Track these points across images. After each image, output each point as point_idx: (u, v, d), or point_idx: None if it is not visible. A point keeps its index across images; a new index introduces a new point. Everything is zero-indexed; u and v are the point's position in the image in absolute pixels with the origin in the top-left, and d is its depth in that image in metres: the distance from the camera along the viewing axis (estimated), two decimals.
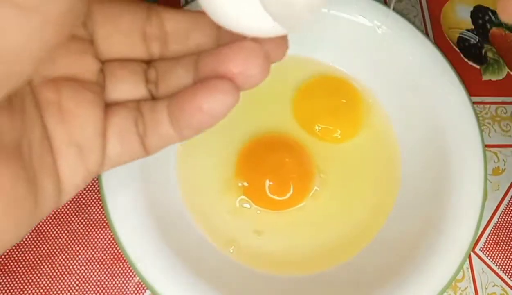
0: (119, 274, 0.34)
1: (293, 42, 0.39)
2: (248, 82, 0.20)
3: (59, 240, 0.34)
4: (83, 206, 0.35)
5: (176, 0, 0.43)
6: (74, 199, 0.35)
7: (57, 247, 0.34)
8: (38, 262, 0.34)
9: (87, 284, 0.33)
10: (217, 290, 0.30)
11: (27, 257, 0.34)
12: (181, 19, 0.22)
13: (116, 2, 0.22)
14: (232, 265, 0.33)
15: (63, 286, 0.33)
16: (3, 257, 0.33)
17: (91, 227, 0.35)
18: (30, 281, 0.33)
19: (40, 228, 0.34)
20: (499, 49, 0.45)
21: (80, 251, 0.34)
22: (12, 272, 0.33)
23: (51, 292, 0.33)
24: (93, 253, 0.34)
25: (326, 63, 0.40)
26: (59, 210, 0.35)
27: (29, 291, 0.33)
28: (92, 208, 0.35)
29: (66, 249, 0.34)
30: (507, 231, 0.38)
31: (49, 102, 0.19)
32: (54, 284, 0.33)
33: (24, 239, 0.34)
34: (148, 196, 0.31)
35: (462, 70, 0.43)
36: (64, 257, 0.34)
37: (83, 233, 0.35)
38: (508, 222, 0.38)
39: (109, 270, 0.34)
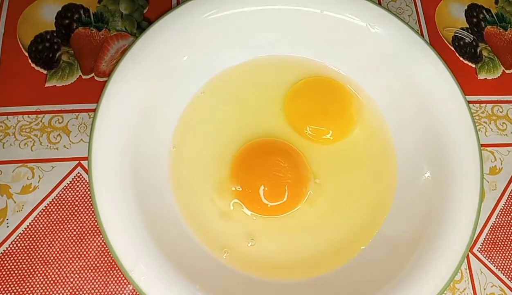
0: (113, 282, 0.33)
1: (285, 43, 0.39)
2: None
3: (52, 248, 0.34)
4: (76, 214, 0.35)
5: (167, 3, 0.42)
6: (66, 207, 0.35)
7: (50, 256, 0.34)
8: (31, 270, 0.33)
9: (81, 292, 0.33)
10: None
11: (20, 266, 0.33)
12: None
13: None
14: (226, 270, 0.32)
15: None
16: None
17: (84, 235, 0.34)
18: (23, 290, 0.33)
19: (33, 236, 0.34)
20: (494, 48, 0.45)
21: (73, 259, 0.34)
22: (5, 281, 0.33)
23: None
24: (86, 261, 0.34)
25: (319, 62, 0.40)
26: (51, 218, 0.34)
27: None
28: (85, 215, 0.35)
29: (59, 257, 0.34)
30: (505, 230, 0.38)
31: None
32: (47, 293, 0.33)
33: (16, 248, 0.34)
34: (141, 202, 0.31)
35: (458, 69, 0.43)
36: (57, 265, 0.33)
37: (76, 241, 0.34)
38: (506, 221, 0.38)
39: (103, 278, 0.33)
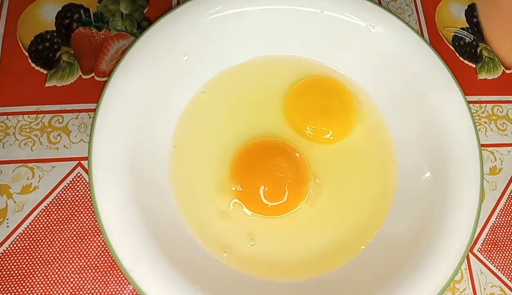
0: (113, 282, 0.33)
1: (285, 43, 0.39)
2: None
3: (52, 248, 0.34)
4: (76, 214, 0.35)
5: (167, 3, 0.42)
6: (66, 207, 0.35)
7: (50, 255, 0.34)
8: (31, 270, 0.33)
9: (80, 292, 0.33)
10: None
11: (20, 266, 0.33)
12: None
13: None
14: (226, 270, 0.32)
15: None
16: None
17: (84, 235, 0.34)
18: (23, 290, 0.33)
19: (33, 236, 0.34)
20: None
21: (73, 258, 0.34)
22: (5, 281, 0.33)
23: None
24: (86, 261, 0.34)
25: (319, 62, 0.40)
26: (51, 218, 0.34)
27: None
28: (85, 215, 0.35)
29: (59, 257, 0.34)
30: (505, 230, 0.38)
31: None
32: (47, 293, 0.33)
33: (16, 248, 0.34)
34: (141, 202, 0.31)
35: (458, 69, 0.43)
36: (57, 265, 0.33)
37: (76, 241, 0.34)
38: (506, 221, 0.38)
39: (103, 277, 0.33)
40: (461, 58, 0.44)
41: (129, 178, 0.31)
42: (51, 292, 0.33)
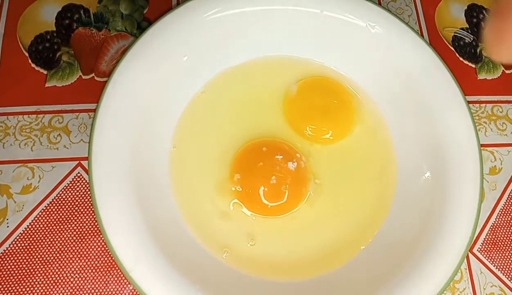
0: (113, 282, 0.33)
1: (285, 43, 0.39)
2: None
3: (52, 248, 0.34)
4: (76, 214, 0.35)
5: (167, 3, 0.42)
6: (66, 207, 0.35)
7: (50, 256, 0.34)
8: (31, 270, 0.33)
9: (81, 292, 0.33)
10: None
11: (20, 266, 0.33)
12: None
13: None
14: (226, 270, 0.32)
15: None
16: None
17: (84, 235, 0.34)
18: (23, 290, 0.33)
19: (33, 236, 0.34)
20: None
21: (73, 259, 0.34)
22: (5, 281, 0.33)
23: None
24: (86, 261, 0.34)
25: (318, 62, 0.40)
26: (51, 218, 0.34)
27: None
28: (85, 215, 0.35)
29: (59, 257, 0.34)
30: (505, 230, 0.38)
31: None
32: (47, 293, 0.33)
33: (16, 248, 0.34)
34: (141, 202, 0.31)
35: (458, 69, 0.43)
36: (57, 265, 0.33)
37: (76, 241, 0.34)
38: (506, 221, 0.38)
39: (103, 277, 0.33)
40: (461, 58, 0.44)
41: (129, 178, 0.31)
42: (51, 292, 0.33)
